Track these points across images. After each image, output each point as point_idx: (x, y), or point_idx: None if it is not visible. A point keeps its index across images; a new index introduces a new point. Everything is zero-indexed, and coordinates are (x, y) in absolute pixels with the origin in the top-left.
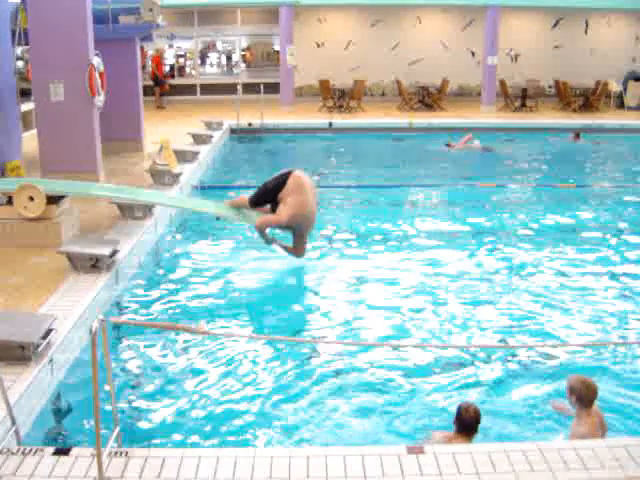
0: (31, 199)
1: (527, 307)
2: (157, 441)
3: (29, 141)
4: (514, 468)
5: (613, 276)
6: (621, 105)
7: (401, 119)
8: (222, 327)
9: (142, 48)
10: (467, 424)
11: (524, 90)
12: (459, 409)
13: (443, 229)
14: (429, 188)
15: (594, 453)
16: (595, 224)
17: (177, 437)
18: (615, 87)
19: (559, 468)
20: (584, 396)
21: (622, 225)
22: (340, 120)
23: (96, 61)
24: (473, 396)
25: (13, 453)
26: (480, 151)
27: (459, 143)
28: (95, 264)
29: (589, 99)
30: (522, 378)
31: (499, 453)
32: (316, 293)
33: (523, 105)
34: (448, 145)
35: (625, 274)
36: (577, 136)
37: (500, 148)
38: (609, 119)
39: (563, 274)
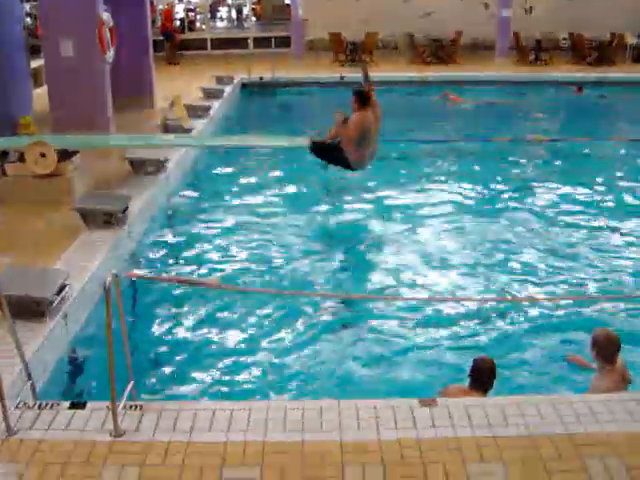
0: (42, 155)
1: (545, 260)
2: (172, 394)
3: (39, 98)
4: (526, 421)
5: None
6: (637, 58)
7: (414, 73)
8: (235, 281)
9: (152, 3)
10: (482, 378)
11: (538, 43)
12: (474, 363)
13: (456, 185)
14: (440, 144)
15: (607, 407)
16: (611, 177)
17: (191, 391)
18: (631, 39)
19: (571, 421)
20: (605, 350)
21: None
22: (352, 74)
23: (105, 16)
24: (488, 350)
25: (29, 407)
26: (484, 105)
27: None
28: (108, 220)
29: (604, 52)
30: (538, 332)
31: (511, 406)
32: (331, 246)
33: (537, 58)
34: (446, 96)
35: None
36: (580, 89)
37: (513, 102)
38: (624, 72)
39: (584, 227)
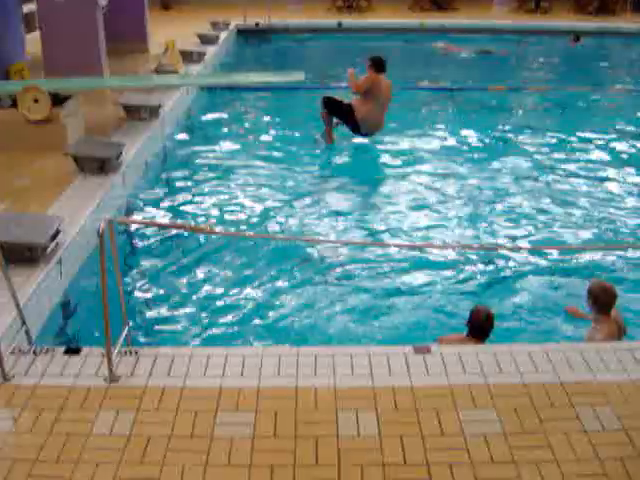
0: (35, 101)
1: (542, 210)
2: (167, 339)
3: (32, 43)
4: (519, 369)
5: (629, 178)
6: (637, 8)
7: (412, 20)
8: (229, 227)
9: None
10: (478, 327)
11: None
12: (471, 311)
13: (452, 134)
14: (439, 92)
15: (600, 356)
16: (609, 127)
17: (186, 337)
18: None
19: (564, 370)
20: (601, 300)
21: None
22: (349, 20)
23: None
24: (484, 298)
25: (24, 353)
26: (478, 54)
27: (451, 46)
28: (102, 166)
29: (606, 1)
30: (534, 281)
31: (505, 354)
32: (324, 191)
33: (537, 6)
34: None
35: None
36: (577, 39)
37: (511, 51)
38: (626, 22)
39: (581, 177)
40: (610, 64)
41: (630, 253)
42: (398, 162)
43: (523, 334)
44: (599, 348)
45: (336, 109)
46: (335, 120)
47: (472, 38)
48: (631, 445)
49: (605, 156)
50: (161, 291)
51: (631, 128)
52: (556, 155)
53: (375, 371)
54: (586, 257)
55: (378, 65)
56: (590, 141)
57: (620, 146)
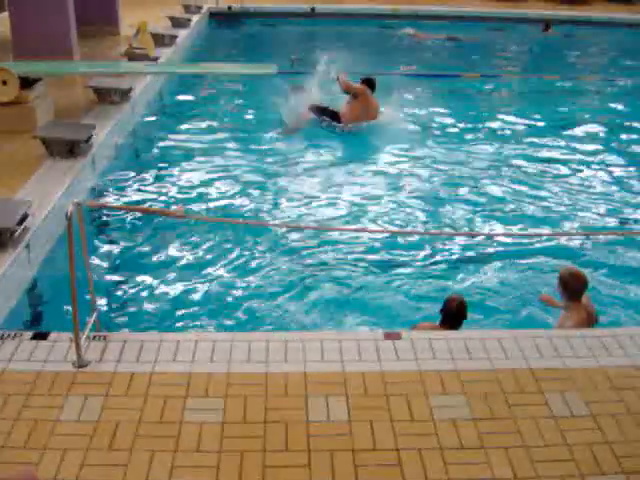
0: (4, 83)
1: (516, 198)
2: (136, 325)
3: (1, 24)
4: (489, 355)
5: (603, 164)
6: None
7: (386, 5)
8: (199, 211)
9: None
10: (451, 315)
11: None
12: (445, 300)
13: (428, 121)
14: (414, 78)
15: (568, 343)
16: (582, 115)
17: (156, 322)
18: None
19: (533, 356)
20: (571, 287)
21: (609, 116)
22: (323, 5)
23: None
24: (461, 285)
25: None
26: (445, 40)
27: (419, 34)
28: (71, 149)
29: None
30: (506, 267)
31: (474, 340)
32: (296, 175)
33: None
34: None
35: (616, 164)
36: (547, 27)
37: (483, 38)
38: (598, 12)
39: (552, 163)
40: (581, 52)
41: (602, 239)
42: (369, 147)
43: (493, 320)
44: (568, 335)
45: (323, 111)
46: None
47: (443, 25)
48: (599, 431)
49: (576, 142)
50: (131, 275)
51: (602, 115)
52: (527, 140)
53: (345, 357)
54: (557, 243)
55: (370, 83)
56: (560, 127)
57: (590, 132)
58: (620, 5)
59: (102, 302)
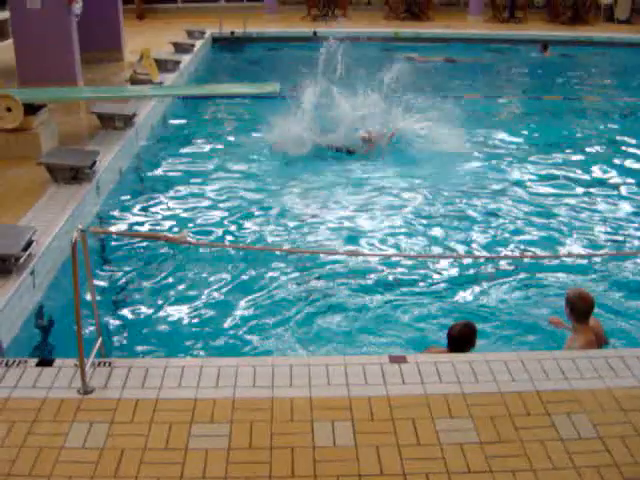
0: (8, 110)
1: (518, 220)
2: (141, 350)
3: (5, 51)
4: (495, 378)
5: (606, 185)
6: (611, 18)
7: (387, 29)
8: (203, 237)
9: None
10: (454, 339)
11: (513, 0)
12: (450, 327)
13: (428, 142)
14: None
15: (575, 364)
16: (583, 135)
17: (161, 348)
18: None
19: (540, 378)
20: (578, 309)
21: (611, 136)
22: (325, 29)
23: None
24: (466, 307)
25: None
26: (442, 62)
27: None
28: (75, 175)
29: (579, 11)
30: (513, 290)
31: (480, 363)
32: (303, 200)
33: (512, 16)
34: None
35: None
36: (545, 48)
37: (483, 59)
38: (598, 32)
39: (555, 183)
40: (582, 72)
41: (608, 259)
42: (369, 170)
43: (499, 342)
44: (574, 356)
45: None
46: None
47: (443, 47)
48: (607, 453)
49: (578, 165)
50: (135, 301)
51: (603, 135)
52: (531, 160)
53: (351, 381)
54: (563, 264)
55: None
56: (562, 149)
57: (592, 154)
58: (621, 25)
59: (107, 328)
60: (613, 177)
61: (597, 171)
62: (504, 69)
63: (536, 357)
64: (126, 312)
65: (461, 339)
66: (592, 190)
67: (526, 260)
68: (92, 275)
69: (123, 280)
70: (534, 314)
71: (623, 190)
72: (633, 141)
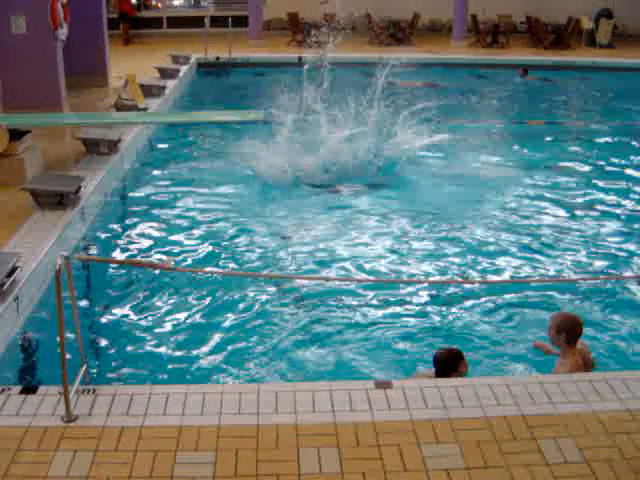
0: None
1: (501, 243)
2: (125, 378)
3: None
4: (481, 402)
5: (590, 208)
6: (592, 43)
7: (371, 54)
8: (188, 263)
9: None
10: (438, 364)
11: (495, 26)
12: (435, 353)
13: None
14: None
15: (560, 388)
16: (567, 159)
17: (145, 375)
18: (587, 24)
19: (525, 402)
20: (566, 333)
21: (593, 161)
22: (309, 54)
23: None
24: (447, 331)
25: None
26: (422, 86)
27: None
28: (60, 201)
29: (561, 36)
30: (497, 313)
31: (466, 388)
32: (287, 229)
33: (494, 41)
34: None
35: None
36: (525, 72)
37: (465, 84)
38: (580, 56)
39: (541, 208)
40: (565, 96)
41: (593, 283)
42: (354, 197)
43: (489, 366)
44: (560, 380)
45: None
46: None
47: (426, 72)
48: (594, 476)
49: (561, 188)
50: (119, 328)
51: (586, 159)
52: (515, 184)
53: (336, 407)
54: (548, 288)
55: None
56: (545, 172)
57: (576, 176)
58: (603, 49)
59: (91, 354)
60: (596, 200)
61: (580, 194)
62: (487, 93)
63: (521, 381)
64: (111, 338)
65: (443, 365)
66: (577, 212)
67: (510, 283)
68: (76, 301)
69: (108, 306)
70: (519, 338)
71: (606, 213)
72: (614, 167)
